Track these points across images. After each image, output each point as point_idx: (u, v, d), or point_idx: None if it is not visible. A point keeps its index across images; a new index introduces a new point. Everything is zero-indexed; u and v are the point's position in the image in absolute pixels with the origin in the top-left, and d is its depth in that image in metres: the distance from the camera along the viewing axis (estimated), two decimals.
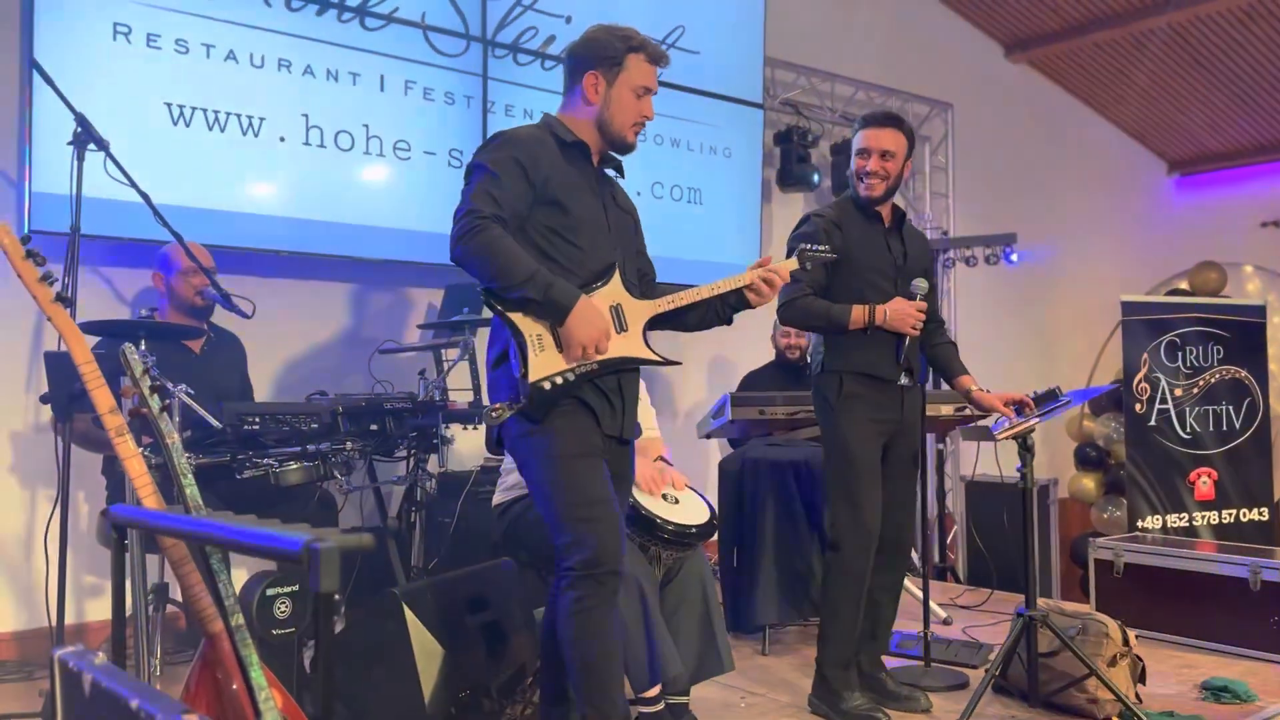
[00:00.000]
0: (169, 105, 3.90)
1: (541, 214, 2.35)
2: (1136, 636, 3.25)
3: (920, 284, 3.07)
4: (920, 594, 3.65)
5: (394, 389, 4.37)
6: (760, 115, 5.78)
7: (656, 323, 2.51)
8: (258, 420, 2.99)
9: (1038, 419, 2.91)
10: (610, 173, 2.54)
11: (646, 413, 3.37)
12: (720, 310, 2.56)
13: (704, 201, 5.49)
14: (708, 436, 4.57)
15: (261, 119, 4.10)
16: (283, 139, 4.15)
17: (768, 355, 5.12)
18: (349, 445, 3.27)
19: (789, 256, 2.84)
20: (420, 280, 4.74)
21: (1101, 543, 4.33)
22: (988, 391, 3.14)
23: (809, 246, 2.69)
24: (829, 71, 6.38)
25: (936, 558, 6.22)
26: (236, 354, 3.79)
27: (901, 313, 2.97)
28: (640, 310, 2.43)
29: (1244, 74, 7.96)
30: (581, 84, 2.43)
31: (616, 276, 2.40)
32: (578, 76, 2.45)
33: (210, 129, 3.99)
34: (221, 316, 3.63)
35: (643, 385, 3.52)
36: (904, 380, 3.07)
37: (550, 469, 2.28)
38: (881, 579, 3.16)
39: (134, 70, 3.83)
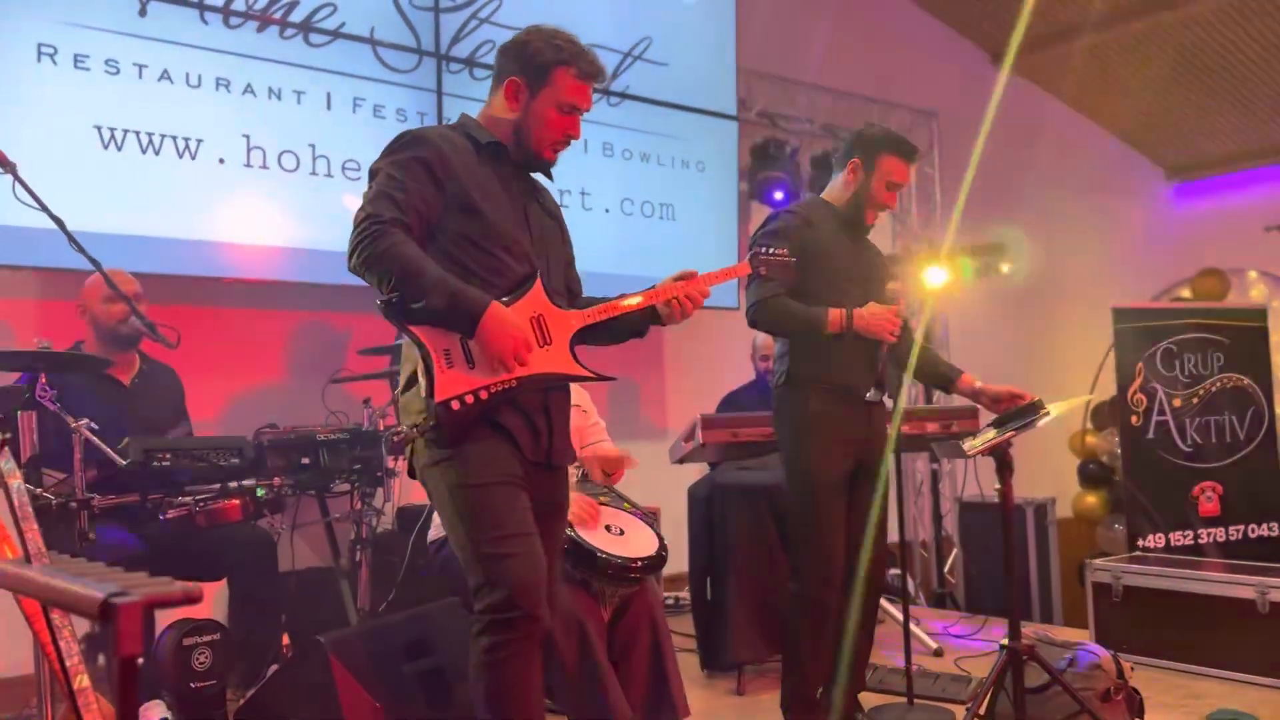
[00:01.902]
0: (99, 128, 3.72)
1: (453, 220, 2.14)
2: (1134, 667, 3.00)
3: (894, 289, 2.87)
4: (901, 619, 3.40)
5: (349, 420, 4.17)
6: (734, 128, 5.59)
7: (590, 338, 2.29)
8: (168, 456, 2.77)
9: (1013, 432, 2.68)
10: (538, 177, 2.33)
11: (593, 426, 3.15)
12: (634, 325, 2.30)
13: (677, 217, 5.29)
14: (680, 462, 4.33)
15: (199, 141, 3.91)
16: (222, 161, 3.97)
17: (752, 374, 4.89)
18: (277, 481, 3.05)
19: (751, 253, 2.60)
20: (374, 305, 4.53)
21: (1099, 564, 4.07)
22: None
23: (763, 250, 2.46)
24: (806, 82, 6.18)
25: (936, 584, 5.96)
26: (170, 386, 3.58)
27: (879, 316, 2.76)
28: (566, 322, 2.21)
29: (1240, 75, 7.75)
30: (504, 87, 2.23)
31: (538, 285, 2.18)
32: (501, 79, 2.24)
33: (144, 152, 3.80)
34: (162, 350, 3.43)
35: (587, 397, 3.30)
36: (872, 394, 2.85)
37: (459, 500, 2.06)
38: (853, 611, 2.92)
39: (60, 93, 3.65)
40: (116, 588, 1.21)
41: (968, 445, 2.64)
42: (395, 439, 2.03)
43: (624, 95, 5.12)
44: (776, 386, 2.93)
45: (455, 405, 2.03)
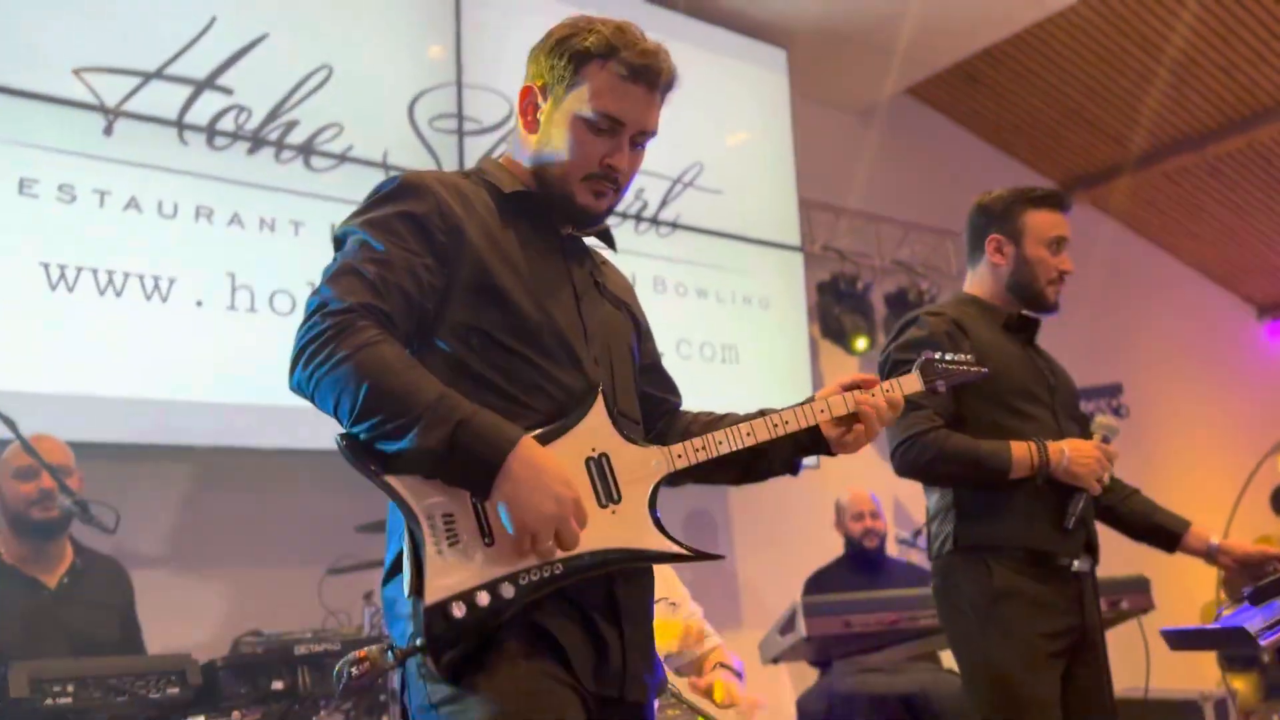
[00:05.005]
0: (46, 266, 3.06)
1: (464, 308, 1.36)
2: None
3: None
4: None
5: (351, 622, 3.35)
6: (800, 261, 4.91)
7: (714, 475, 1.49)
8: (70, 687, 1.92)
9: None
10: (593, 241, 1.55)
11: (683, 607, 2.30)
12: (785, 454, 1.51)
13: (740, 359, 4.53)
14: (775, 661, 3.40)
15: (171, 280, 3.24)
16: (200, 303, 3.28)
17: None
18: (237, 715, 2.18)
19: (893, 374, 1.74)
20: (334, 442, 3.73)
21: None
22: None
23: (940, 356, 1.63)
24: (873, 214, 5.56)
25: None
26: (114, 586, 2.76)
27: (1085, 454, 1.94)
28: (644, 464, 1.38)
29: None
30: (519, 100, 1.48)
31: (599, 408, 1.37)
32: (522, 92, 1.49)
33: (102, 293, 3.13)
34: (103, 541, 2.65)
35: (676, 581, 2.46)
36: (1080, 563, 1.99)
37: None
38: None
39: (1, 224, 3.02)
40: None
41: (1254, 629, 1.73)
42: (356, 672, 1.19)
43: (675, 225, 4.46)
44: (938, 558, 2.06)
45: (458, 611, 1.20)
